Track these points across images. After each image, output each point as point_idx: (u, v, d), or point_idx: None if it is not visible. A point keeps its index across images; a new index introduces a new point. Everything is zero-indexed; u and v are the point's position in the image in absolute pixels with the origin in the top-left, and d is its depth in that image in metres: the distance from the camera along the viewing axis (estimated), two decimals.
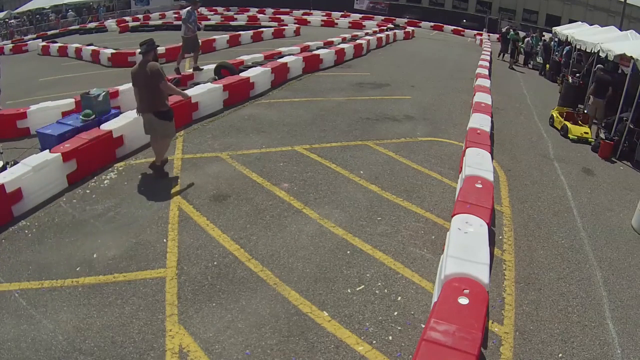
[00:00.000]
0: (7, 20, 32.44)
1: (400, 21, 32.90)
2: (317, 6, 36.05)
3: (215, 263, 4.56)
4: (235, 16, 31.85)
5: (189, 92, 8.43)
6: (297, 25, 26.80)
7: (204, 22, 27.50)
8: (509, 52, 19.65)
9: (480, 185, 5.09)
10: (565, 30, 16.35)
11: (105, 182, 6.18)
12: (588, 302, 4.41)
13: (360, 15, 34.57)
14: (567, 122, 9.80)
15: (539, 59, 18.98)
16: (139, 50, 6.05)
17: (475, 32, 30.67)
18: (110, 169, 6.52)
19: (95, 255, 4.61)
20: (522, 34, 21.98)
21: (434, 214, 5.70)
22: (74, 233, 5.00)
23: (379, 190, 6.21)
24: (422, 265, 4.69)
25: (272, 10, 35.57)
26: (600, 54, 10.70)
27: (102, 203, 5.62)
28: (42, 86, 12.84)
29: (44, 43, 20.49)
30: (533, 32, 21.54)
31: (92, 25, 30.54)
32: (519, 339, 3.85)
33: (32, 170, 5.45)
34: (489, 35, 28.58)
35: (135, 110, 6.42)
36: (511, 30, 20.48)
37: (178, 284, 4.24)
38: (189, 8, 11.03)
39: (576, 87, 12.03)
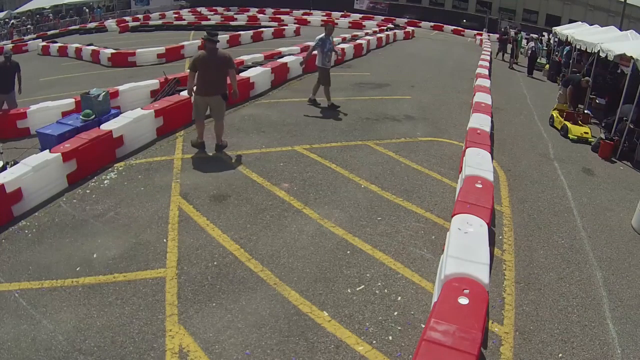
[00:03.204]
0: (7, 20, 32.49)
1: (400, 21, 32.96)
2: (317, 6, 36.13)
3: (215, 263, 4.56)
4: (235, 16, 31.92)
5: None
6: (297, 25, 26.84)
7: (203, 22, 27.66)
8: (508, 51, 19.63)
9: (480, 185, 5.08)
10: (565, 30, 16.37)
11: (105, 182, 6.18)
12: (588, 302, 4.41)
13: (360, 15, 34.66)
14: (567, 122, 9.81)
15: (541, 59, 18.98)
16: (208, 39, 6.64)
17: (475, 32, 30.71)
18: (110, 169, 6.52)
19: (95, 255, 4.61)
20: (523, 34, 22.01)
21: (434, 214, 5.70)
22: (74, 233, 5.00)
23: (379, 190, 6.21)
24: (422, 265, 4.68)
25: (272, 10, 35.63)
26: (600, 54, 10.72)
27: (102, 203, 5.62)
28: (42, 86, 12.83)
29: (44, 43, 20.53)
30: (532, 34, 21.53)
31: (92, 25, 30.58)
32: (519, 339, 3.85)
33: (32, 170, 5.45)
34: (489, 35, 28.60)
35: (186, 93, 7.28)
36: (511, 30, 20.47)
37: (178, 284, 4.24)
38: (322, 35, 9.17)
39: None
